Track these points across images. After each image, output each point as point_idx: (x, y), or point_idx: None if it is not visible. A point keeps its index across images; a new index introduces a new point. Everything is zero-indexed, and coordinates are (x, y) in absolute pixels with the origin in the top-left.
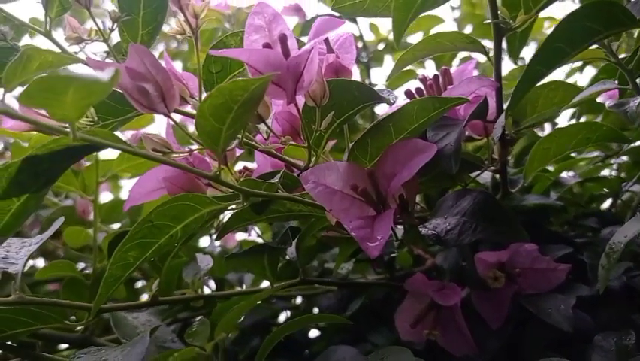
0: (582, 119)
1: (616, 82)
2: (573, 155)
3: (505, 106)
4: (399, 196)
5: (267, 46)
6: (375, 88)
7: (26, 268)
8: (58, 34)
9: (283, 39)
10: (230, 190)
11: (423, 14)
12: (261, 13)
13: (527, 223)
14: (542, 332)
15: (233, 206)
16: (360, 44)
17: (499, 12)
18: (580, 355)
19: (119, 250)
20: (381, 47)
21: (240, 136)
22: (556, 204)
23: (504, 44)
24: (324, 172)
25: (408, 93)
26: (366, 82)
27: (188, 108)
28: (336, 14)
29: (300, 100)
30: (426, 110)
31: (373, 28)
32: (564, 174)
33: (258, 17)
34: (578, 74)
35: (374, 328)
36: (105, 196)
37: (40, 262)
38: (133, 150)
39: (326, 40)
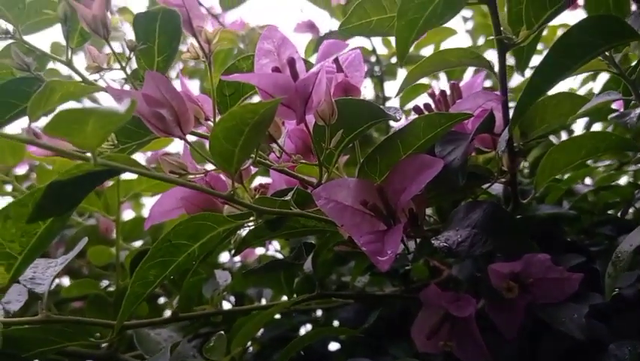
0: (598, 126)
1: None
2: (589, 162)
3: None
4: (408, 210)
5: (276, 69)
6: (389, 101)
7: (52, 287)
8: (79, 57)
9: (291, 63)
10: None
11: None
12: (270, 38)
13: (542, 233)
14: (557, 341)
15: (250, 223)
16: (373, 58)
17: (501, 28)
18: None
19: (140, 269)
20: (394, 60)
21: (253, 155)
22: (570, 213)
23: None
24: (335, 189)
25: (416, 109)
26: (380, 95)
27: (204, 129)
28: None
29: (311, 119)
30: (432, 126)
31: (386, 42)
32: (578, 183)
33: (268, 42)
34: (591, 82)
35: (393, 340)
36: (127, 214)
37: (65, 280)
38: (150, 174)
39: (336, 60)
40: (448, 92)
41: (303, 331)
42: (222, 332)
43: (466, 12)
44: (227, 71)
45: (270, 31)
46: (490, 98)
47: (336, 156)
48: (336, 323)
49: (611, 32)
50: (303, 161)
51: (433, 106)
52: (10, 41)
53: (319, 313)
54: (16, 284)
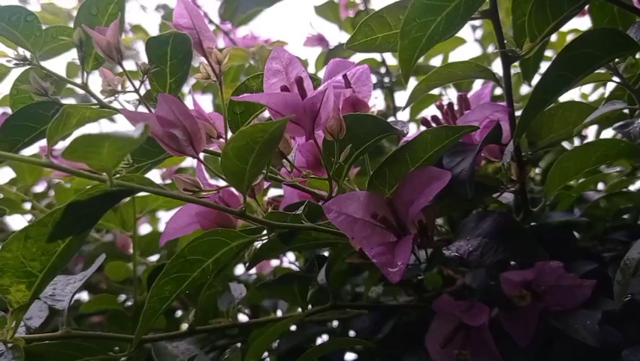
0: (609, 130)
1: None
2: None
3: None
4: (418, 222)
5: (284, 88)
6: (400, 112)
7: (72, 302)
8: (94, 74)
9: (299, 81)
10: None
11: None
12: (278, 58)
13: (554, 240)
14: (570, 348)
15: (263, 237)
16: (383, 69)
17: (505, 41)
18: None
19: (155, 285)
20: None
21: (264, 171)
22: (581, 220)
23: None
24: (345, 202)
25: (424, 122)
26: (391, 106)
27: (216, 147)
28: None
29: (320, 134)
30: (439, 139)
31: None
32: (590, 190)
33: (276, 62)
34: (602, 88)
35: (409, 349)
36: (144, 228)
37: (84, 295)
38: (165, 193)
39: (344, 75)
40: (456, 104)
41: (319, 341)
42: (237, 345)
43: (475, 21)
44: (237, 91)
45: (278, 51)
46: (497, 110)
47: (346, 169)
48: (352, 333)
49: (612, 45)
50: (313, 176)
51: (440, 118)
52: (28, 67)
53: (335, 323)
54: (36, 301)
